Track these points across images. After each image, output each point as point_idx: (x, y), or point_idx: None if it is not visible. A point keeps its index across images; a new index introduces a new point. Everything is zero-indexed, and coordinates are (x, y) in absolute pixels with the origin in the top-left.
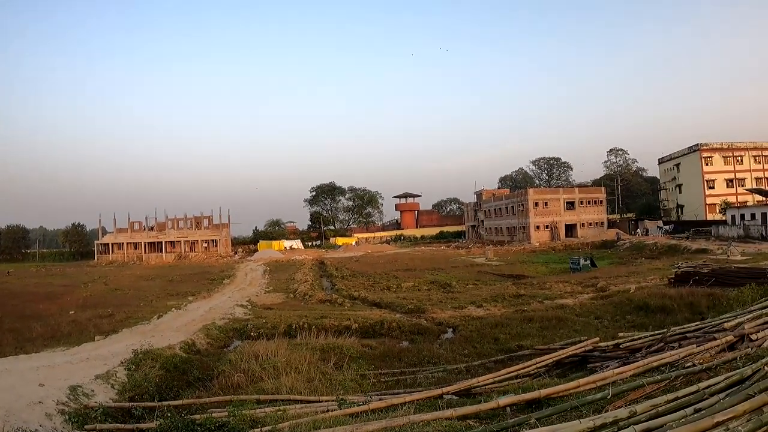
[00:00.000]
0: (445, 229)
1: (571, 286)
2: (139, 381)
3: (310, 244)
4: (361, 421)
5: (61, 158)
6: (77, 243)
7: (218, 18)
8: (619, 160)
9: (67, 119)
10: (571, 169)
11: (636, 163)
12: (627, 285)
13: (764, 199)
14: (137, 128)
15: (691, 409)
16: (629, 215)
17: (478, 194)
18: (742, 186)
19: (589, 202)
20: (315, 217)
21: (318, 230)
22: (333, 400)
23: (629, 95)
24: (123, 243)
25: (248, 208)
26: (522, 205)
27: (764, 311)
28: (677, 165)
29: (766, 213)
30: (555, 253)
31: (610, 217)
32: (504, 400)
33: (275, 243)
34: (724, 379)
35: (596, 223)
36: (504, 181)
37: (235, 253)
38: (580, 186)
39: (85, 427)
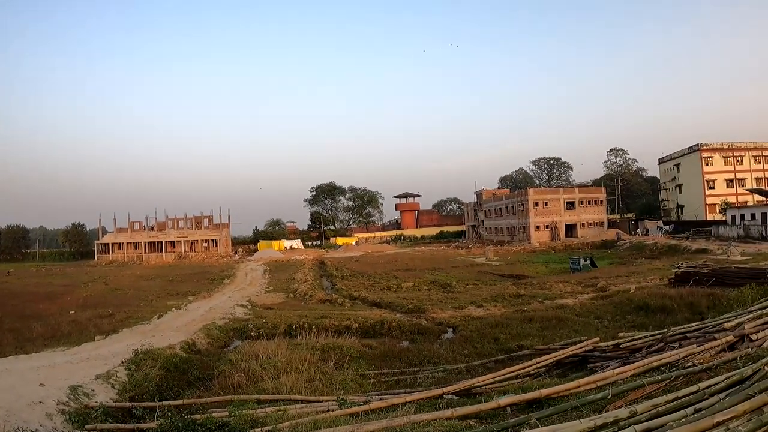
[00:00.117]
0: (445, 229)
1: (571, 286)
2: (140, 381)
3: (310, 244)
4: (361, 421)
5: (61, 158)
6: (77, 243)
7: (218, 18)
8: (619, 160)
9: (67, 119)
10: (572, 169)
11: (636, 163)
12: (627, 285)
13: (764, 199)
14: (137, 128)
15: (691, 409)
16: (629, 215)
17: (478, 194)
18: (742, 186)
19: (589, 202)
20: (315, 217)
21: (318, 230)
22: (333, 400)
23: (629, 95)
24: (123, 243)
25: (248, 208)
26: (522, 205)
27: (764, 311)
28: (677, 165)
29: (766, 213)
30: (555, 253)
31: (610, 217)
32: (504, 400)
33: (275, 243)
34: (725, 379)
35: (596, 223)
36: (504, 181)
37: (235, 252)
38: (580, 186)
39: (86, 427)
